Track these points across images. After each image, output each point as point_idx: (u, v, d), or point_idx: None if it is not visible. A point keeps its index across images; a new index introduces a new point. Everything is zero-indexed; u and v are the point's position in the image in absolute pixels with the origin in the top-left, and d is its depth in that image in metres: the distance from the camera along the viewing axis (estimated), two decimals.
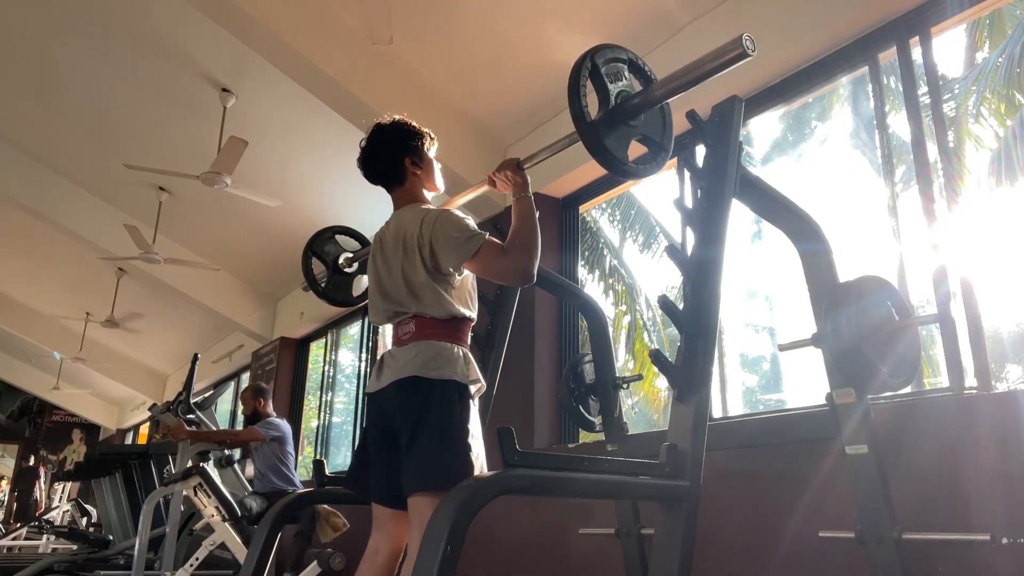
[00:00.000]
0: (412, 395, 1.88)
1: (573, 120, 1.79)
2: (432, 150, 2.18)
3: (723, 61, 1.73)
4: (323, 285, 2.83)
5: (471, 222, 1.96)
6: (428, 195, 2.16)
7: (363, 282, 2.88)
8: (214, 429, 5.49)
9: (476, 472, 1.84)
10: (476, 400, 1.97)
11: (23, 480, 14.76)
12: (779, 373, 8.83)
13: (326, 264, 2.82)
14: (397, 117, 2.16)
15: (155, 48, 5.20)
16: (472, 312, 2.04)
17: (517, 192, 2.06)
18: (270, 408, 5.00)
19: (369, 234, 2.22)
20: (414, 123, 2.15)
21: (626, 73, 1.93)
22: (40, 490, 14.32)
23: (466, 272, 2.02)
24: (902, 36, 3.05)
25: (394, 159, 2.10)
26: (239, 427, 9.48)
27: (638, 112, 1.88)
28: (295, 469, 4.88)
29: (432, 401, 1.86)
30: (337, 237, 2.88)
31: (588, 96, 1.82)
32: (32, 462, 14.97)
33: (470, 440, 1.87)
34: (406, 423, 1.87)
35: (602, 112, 1.85)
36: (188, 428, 5.19)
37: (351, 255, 2.82)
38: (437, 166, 2.19)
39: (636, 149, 1.94)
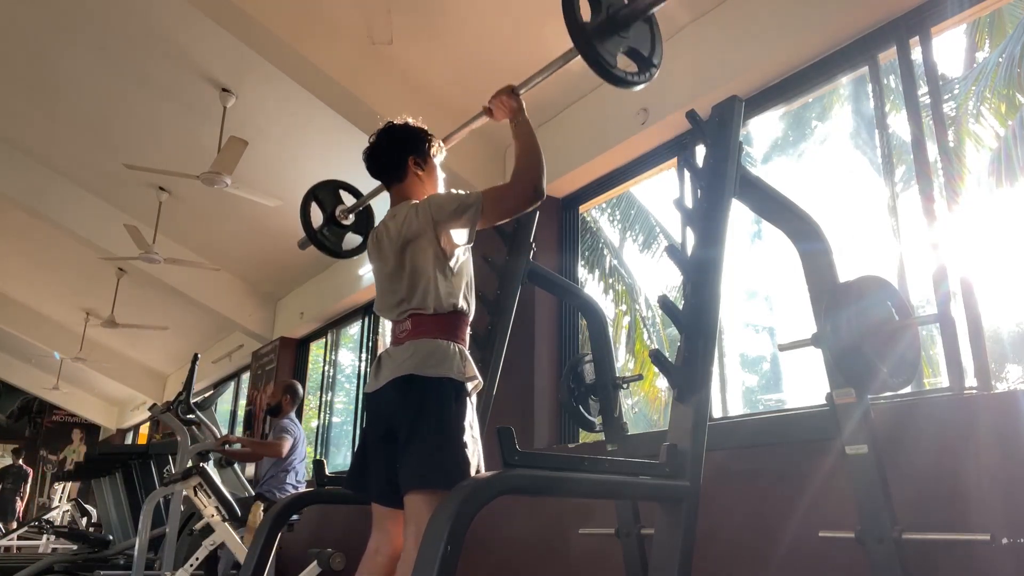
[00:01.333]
0: (408, 394, 1.88)
1: (568, 27, 1.84)
2: (439, 157, 2.23)
3: None
4: (317, 232, 2.87)
5: (459, 191, 2.01)
6: None
7: (354, 239, 2.91)
8: (216, 431, 5.49)
9: (473, 470, 1.85)
10: (474, 397, 1.97)
11: (6, 478, 12.56)
12: (779, 373, 8.83)
13: (324, 211, 2.86)
14: (410, 120, 2.21)
15: (155, 48, 5.20)
16: (469, 306, 2.05)
17: (514, 116, 2.11)
18: (291, 409, 5.01)
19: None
20: (426, 128, 2.20)
21: None
22: (23, 496, 12.59)
23: (464, 258, 2.04)
24: (902, 36, 3.05)
25: (398, 155, 2.14)
26: (240, 426, 9.51)
27: (629, 21, 1.92)
28: (302, 476, 4.83)
29: (428, 399, 1.86)
30: (340, 193, 2.92)
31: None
32: (19, 460, 12.96)
33: (466, 438, 1.87)
34: (403, 422, 1.87)
35: (595, 20, 1.88)
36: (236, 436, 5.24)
37: (347, 207, 2.86)
38: (441, 175, 2.22)
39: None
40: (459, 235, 1.97)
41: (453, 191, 2.02)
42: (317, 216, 2.87)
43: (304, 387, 8.23)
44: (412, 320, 1.95)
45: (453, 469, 1.80)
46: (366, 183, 2.59)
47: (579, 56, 1.91)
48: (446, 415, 1.86)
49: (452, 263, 1.99)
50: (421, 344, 1.92)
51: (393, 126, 2.19)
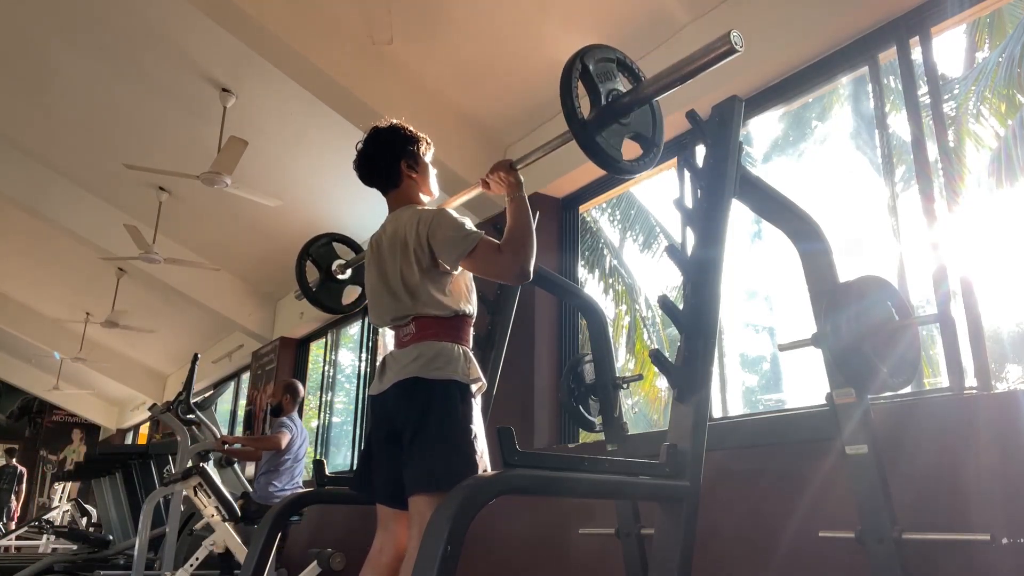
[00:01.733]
0: (413, 396, 1.88)
1: (566, 119, 1.80)
2: (429, 155, 2.19)
3: (711, 58, 1.73)
4: (314, 290, 2.84)
5: (468, 221, 1.97)
6: (424, 199, 2.17)
7: (353, 291, 2.89)
8: (216, 431, 5.49)
9: (480, 471, 1.84)
10: (478, 398, 1.97)
11: (1, 478, 11.76)
12: (779, 373, 8.83)
13: (320, 269, 2.83)
14: (395, 121, 2.17)
15: (155, 48, 5.20)
16: (472, 308, 2.04)
17: (511, 193, 2.07)
18: (293, 408, 5.02)
19: (366, 237, 2.23)
20: (411, 128, 2.16)
21: (616, 72, 1.94)
22: (19, 494, 11.99)
23: (463, 269, 2.02)
24: (902, 36, 3.05)
25: (390, 162, 2.11)
26: (240, 426, 9.51)
27: (629, 110, 1.89)
28: (299, 478, 4.84)
29: (433, 402, 1.86)
30: (333, 244, 2.89)
31: (582, 99, 1.83)
32: (12, 460, 12.21)
33: (473, 440, 1.87)
34: (407, 424, 1.87)
35: (594, 111, 1.86)
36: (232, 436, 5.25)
37: (344, 262, 2.84)
38: (433, 172, 2.20)
39: (631, 151, 1.95)
40: (445, 259, 1.94)
41: (462, 221, 1.96)
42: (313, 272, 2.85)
43: (304, 387, 8.23)
44: (416, 323, 1.95)
45: (461, 471, 1.79)
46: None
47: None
48: (452, 417, 1.86)
49: (448, 273, 1.98)
50: (426, 347, 1.92)
51: (379, 131, 2.14)
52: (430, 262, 1.95)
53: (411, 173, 2.12)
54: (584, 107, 1.84)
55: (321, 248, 2.86)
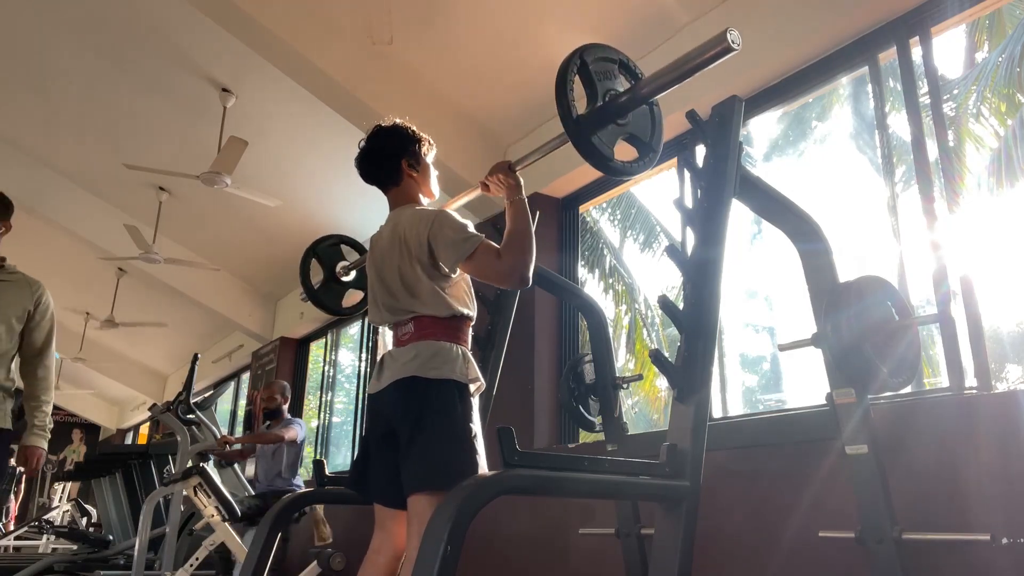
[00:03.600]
0: (411, 395, 1.88)
1: (560, 117, 1.79)
2: (430, 156, 2.19)
3: (708, 56, 1.72)
4: (317, 289, 2.84)
5: (469, 224, 1.96)
6: (424, 200, 2.17)
7: (356, 295, 2.89)
8: (216, 431, 5.48)
9: (480, 471, 1.84)
10: (476, 398, 1.97)
11: None
12: (779, 373, 8.83)
13: (324, 269, 2.83)
14: (398, 120, 2.17)
15: (155, 48, 5.21)
16: (471, 310, 2.04)
17: (510, 195, 2.06)
18: (285, 407, 5.05)
19: (366, 237, 2.23)
20: (414, 127, 2.17)
21: (616, 73, 1.93)
22: (17, 494, 11.63)
23: (462, 272, 2.02)
24: (902, 36, 3.05)
25: (391, 160, 2.11)
26: (240, 426, 9.51)
27: (626, 110, 1.88)
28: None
29: (431, 401, 1.86)
30: (341, 246, 2.89)
31: (579, 100, 1.82)
32: (11, 460, 12.30)
33: (472, 439, 1.87)
34: (405, 423, 1.87)
35: (590, 109, 1.85)
36: (233, 437, 5.27)
37: (348, 263, 2.84)
38: (434, 172, 2.21)
39: (629, 153, 1.94)
40: (444, 261, 1.93)
41: (464, 223, 1.95)
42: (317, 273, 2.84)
43: (304, 387, 8.24)
44: (415, 323, 1.95)
45: (460, 470, 1.79)
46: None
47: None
48: (450, 417, 1.86)
49: (450, 274, 1.98)
50: (424, 346, 1.92)
51: (381, 129, 2.15)
52: (430, 262, 1.94)
53: (412, 172, 2.12)
54: (583, 108, 1.83)
55: (328, 248, 2.86)
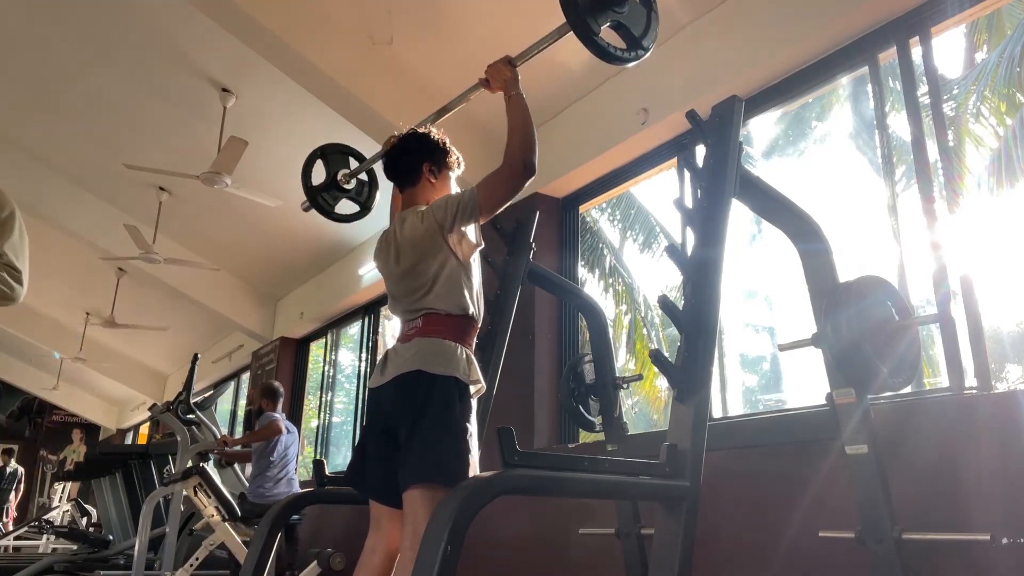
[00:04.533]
0: (413, 389, 1.89)
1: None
2: (455, 171, 2.25)
3: None
4: (316, 187, 2.86)
5: (453, 193, 2.04)
6: None
7: (351, 206, 2.90)
8: (216, 431, 5.49)
9: (472, 472, 1.84)
10: (475, 401, 1.98)
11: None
12: (779, 373, 8.82)
13: (327, 172, 2.86)
14: (434, 131, 2.23)
15: (155, 48, 5.20)
16: (478, 312, 2.06)
17: (508, 89, 2.11)
18: (274, 408, 4.97)
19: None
20: (448, 141, 2.23)
21: None
22: (17, 494, 11.63)
23: (474, 257, 2.06)
24: (902, 36, 3.05)
25: (414, 159, 2.17)
26: (240, 426, 9.50)
27: None
28: (295, 475, 4.81)
29: (433, 396, 1.87)
30: (349, 157, 2.91)
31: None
32: (11, 460, 11.72)
33: (466, 438, 1.87)
34: (406, 417, 1.88)
35: None
36: (232, 438, 5.23)
37: (349, 171, 2.86)
38: (455, 188, 2.24)
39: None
40: (467, 236, 1.99)
41: (450, 192, 2.03)
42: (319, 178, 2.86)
43: (304, 387, 8.24)
44: (424, 319, 1.97)
45: (456, 466, 1.80)
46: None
47: (572, 33, 1.92)
48: (450, 413, 1.87)
49: (464, 266, 2.01)
50: (428, 342, 1.93)
51: (415, 133, 2.22)
52: (448, 252, 1.98)
53: (431, 177, 2.17)
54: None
55: (336, 154, 2.88)
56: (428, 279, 1.98)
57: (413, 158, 2.17)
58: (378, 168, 2.66)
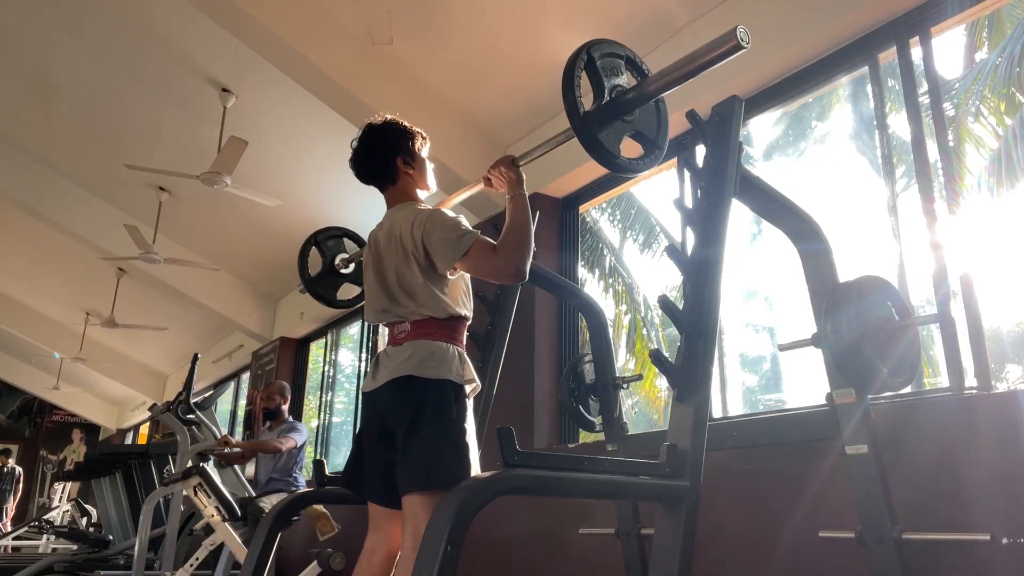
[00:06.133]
0: (407, 394, 1.87)
1: (567, 113, 1.78)
2: (424, 149, 2.17)
3: (717, 54, 1.72)
4: (314, 277, 2.85)
5: (463, 220, 1.96)
6: (421, 194, 2.15)
7: (352, 289, 2.89)
8: (216, 431, 5.48)
9: (472, 473, 1.84)
10: (471, 401, 1.97)
11: None
12: (779, 373, 8.82)
13: (324, 258, 2.84)
14: (389, 117, 2.15)
15: (155, 48, 5.21)
16: (468, 311, 2.04)
17: (512, 189, 2.05)
18: (285, 408, 5.03)
19: (366, 236, 2.23)
20: (406, 122, 2.14)
21: (623, 69, 1.92)
22: (16, 494, 11.51)
23: (460, 271, 2.01)
24: (902, 36, 3.05)
25: (386, 159, 2.09)
26: (240, 426, 9.50)
27: (632, 107, 1.87)
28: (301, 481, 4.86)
29: (427, 400, 1.86)
30: (344, 240, 2.90)
31: (585, 96, 1.82)
32: (9, 460, 11.55)
33: (465, 441, 1.87)
34: (401, 422, 1.86)
35: (596, 106, 1.84)
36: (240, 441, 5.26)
37: (347, 256, 2.84)
38: (430, 165, 2.19)
39: (634, 150, 1.94)
40: (440, 261, 1.92)
41: (457, 218, 1.94)
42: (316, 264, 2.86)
43: (304, 387, 8.24)
44: (412, 322, 1.95)
45: (454, 470, 1.79)
46: None
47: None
48: (446, 416, 1.85)
49: (445, 275, 1.97)
50: (420, 345, 1.91)
51: (373, 128, 2.12)
52: (427, 263, 1.94)
53: (408, 170, 2.11)
54: (588, 105, 1.83)
55: (330, 239, 2.87)
56: (412, 285, 1.94)
57: (384, 157, 2.09)
58: None
